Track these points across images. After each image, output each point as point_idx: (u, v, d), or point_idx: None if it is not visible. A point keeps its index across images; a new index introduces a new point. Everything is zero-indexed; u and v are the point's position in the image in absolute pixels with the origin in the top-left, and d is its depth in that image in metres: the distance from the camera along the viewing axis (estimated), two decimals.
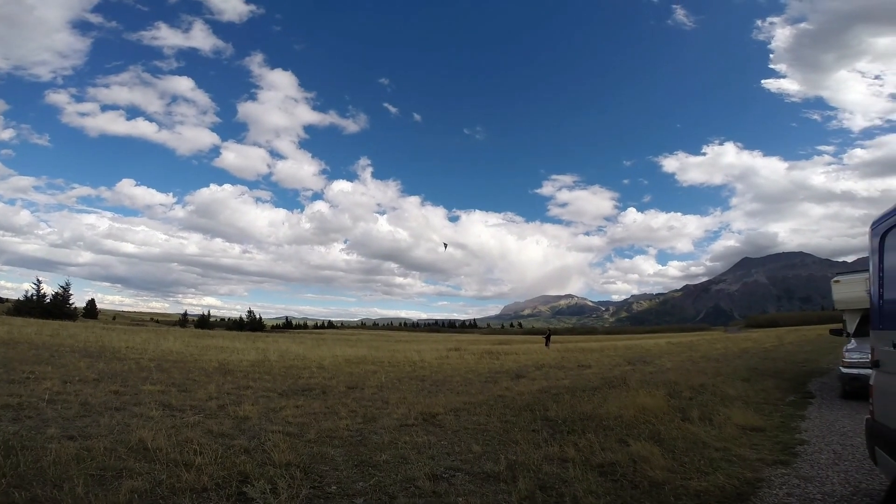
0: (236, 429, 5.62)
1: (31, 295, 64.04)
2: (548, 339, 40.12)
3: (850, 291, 10.83)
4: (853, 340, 9.56)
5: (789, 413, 7.44)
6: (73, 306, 70.52)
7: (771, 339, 37.10)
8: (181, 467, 3.91)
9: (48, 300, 64.74)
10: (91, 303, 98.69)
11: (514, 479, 4.05)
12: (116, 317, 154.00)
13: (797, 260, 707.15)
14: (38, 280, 64.87)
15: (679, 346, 31.47)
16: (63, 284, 68.29)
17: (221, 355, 16.56)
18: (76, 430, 5.10)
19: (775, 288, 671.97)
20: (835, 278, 11.38)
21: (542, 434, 5.72)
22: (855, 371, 8.45)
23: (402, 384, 10.72)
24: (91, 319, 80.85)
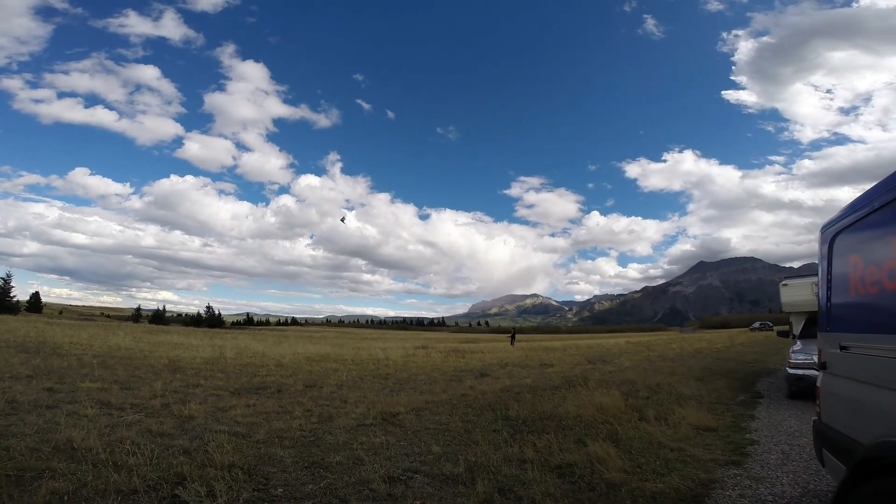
0: (179, 428, 5.28)
1: None
2: (513, 337, 40.50)
3: (797, 295, 11.30)
4: (799, 342, 9.95)
5: (740, 413, 7.65)
6: (15, 299, 66.49)
7: (723, 340, 38.63)
8: (110, 468, 3.61)
9: None
10: (35, 296, 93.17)
11: (472, 482, 3.93)
12: (63, 311, 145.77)
13: (748, 265, 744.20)
14: None
15: (637, 345, 32.35)
16: (3, 276, 64.23)
17: (174, 352, 15.83)
18: None
19: (728, 291, 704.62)
20: (783, 282, 11.86)
21: (502, 434, 5.63)
22: (800, 372, 8.76)
23: (363, 382, 10.46)
24: (35, 314, 76.11)
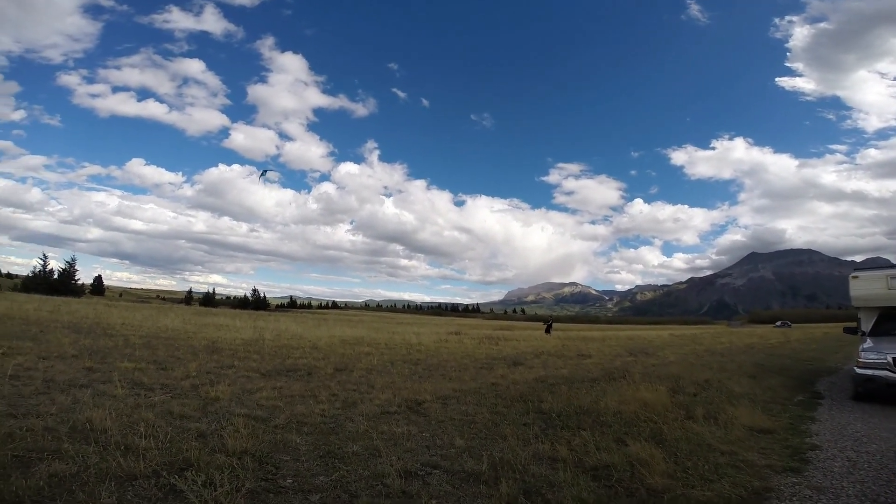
0: (201, 411, 5.19)
1: (38, 271, 64.16)
2: (549, 326, 39.65)
3: (868, 288, 10.30)
4: (869, 340, 9.05)
5: (798, 414, 6.96)
6: (80, 282, 70.54)
7: (776, 335, 36.56)
8: (119, 451, 3.51)
9: (55, 276, 64.81)
10: (98, 279, 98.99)
11: (496, 481, 3.60)
12: (123, 293, 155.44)
13: (805, 257, 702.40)
14: (44, 255, 64.72)
15: (682, 338, 30.98)
16: (69, 260, 68.35)
17: (216, 333, 16.27)
18: (26, 408, 4.69)
19: (781, 284, 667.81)
20: (853, 274, 10.82)
21: (533, 429, 5.26)
22: (870, 372, 7.99)
23: (393, 367, 10.31)
24: (97, 296, 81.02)
